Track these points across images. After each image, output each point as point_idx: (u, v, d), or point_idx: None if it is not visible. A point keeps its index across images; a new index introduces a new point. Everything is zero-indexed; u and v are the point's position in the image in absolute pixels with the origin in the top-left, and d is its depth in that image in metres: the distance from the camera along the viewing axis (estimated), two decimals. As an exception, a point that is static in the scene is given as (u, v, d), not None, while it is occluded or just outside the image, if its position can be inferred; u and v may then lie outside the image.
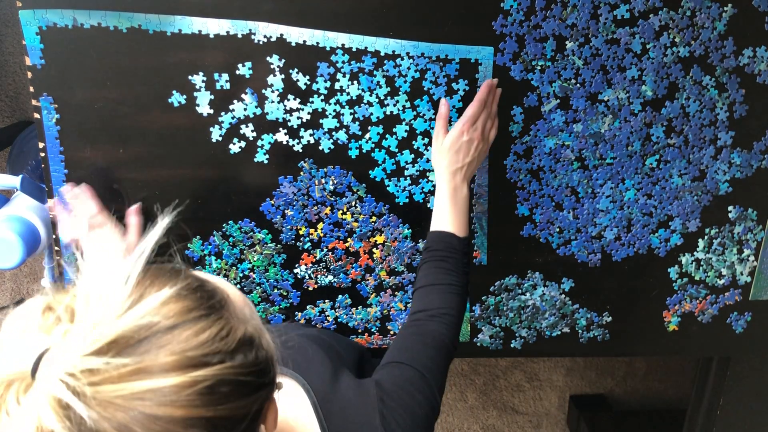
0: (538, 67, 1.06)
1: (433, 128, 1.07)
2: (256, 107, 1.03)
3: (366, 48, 1.03)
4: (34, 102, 1.00)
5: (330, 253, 1.13)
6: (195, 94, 1.02)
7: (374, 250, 1.14)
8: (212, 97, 1.02)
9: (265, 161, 1.06)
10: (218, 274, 1.12)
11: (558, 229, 1.16)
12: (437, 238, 0.94)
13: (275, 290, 1.15)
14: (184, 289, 0.52)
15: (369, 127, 1.07)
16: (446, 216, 0.96)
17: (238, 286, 1.14)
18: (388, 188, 1.10)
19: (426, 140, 1.08)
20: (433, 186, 1.11)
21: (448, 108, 1.02)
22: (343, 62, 1.03)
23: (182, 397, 0.47)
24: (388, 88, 1.05)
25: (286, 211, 1.10)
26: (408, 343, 0.84)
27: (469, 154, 0.97)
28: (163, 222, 0.54)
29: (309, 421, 0.70)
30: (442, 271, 0.92)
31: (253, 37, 1.00)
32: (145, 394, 0.46)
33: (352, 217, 1.11)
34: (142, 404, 0.46)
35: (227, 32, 0.99)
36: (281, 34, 1.01)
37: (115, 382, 0.45)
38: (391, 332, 1.20)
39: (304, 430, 0.69)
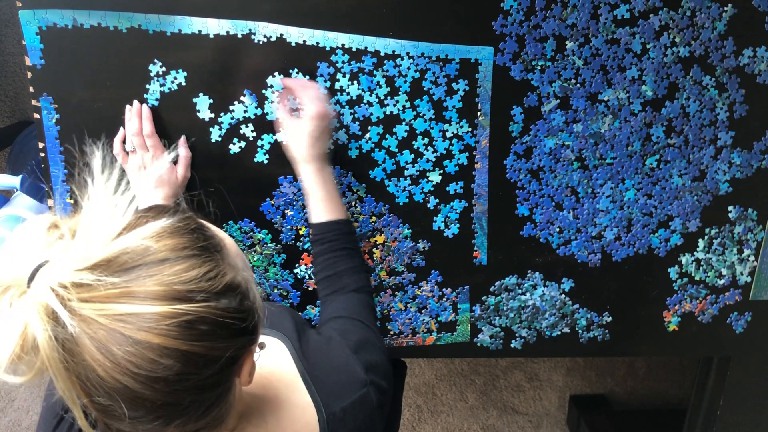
0: (538, 67, 1.06)
1: (433, 128, 1.07)
2: (256, 108, 1.03)
3: (366, 48, 1.03)
4: (34, 102, 1.00)
5: (330, 253, 1.13)
6: (194, 99, 1.02)
7: (374, 250, 1.14)
8: (211, 101, 1.02)
9: (265, 161, 1.06)
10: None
11: (558, 229, 1.16)
12: (325, 229, 0.95)
13: (275, 290, 1.15)
14: (182, 227, 0.54)
15: (369, 127, 1.07)
16: (323, 203, 0.96)
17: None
18: (388, 188, 1.10)
19: (426, 140, 1.08)
20: (434, 186, 1.11)
21: (284, 94, 0.99)
22: (343, 62, 1.03)
23: (162, 326, 0.49)
24: (388, 88, 1.05)
25: (286, 211, 1.10)
26: (333, 308, 0.88)
27: (327, 136, 0.97)
28: (171, 154, 0.58)
29: (290, 367, 0.74)
30: (341, 258, 0.94)
31: (253, 37, 1.00)
32: (128, 317, 0.48)
33: (352, 217, 1.11)
34: (123, 326, 0.48)
35: (227, 32, 0.99)
36: (281, 34, 1.01)
37: (102, 301, 0.48)
38: (391, 332, 1.20)
39: (286, 375, 0.73)
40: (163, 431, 0.54)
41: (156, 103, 1.01)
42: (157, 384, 0.50)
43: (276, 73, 1.02)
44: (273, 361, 0.74)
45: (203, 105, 1.02)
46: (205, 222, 0.59)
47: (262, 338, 0.77)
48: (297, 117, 0.99)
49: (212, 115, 1.03)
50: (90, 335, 0.48)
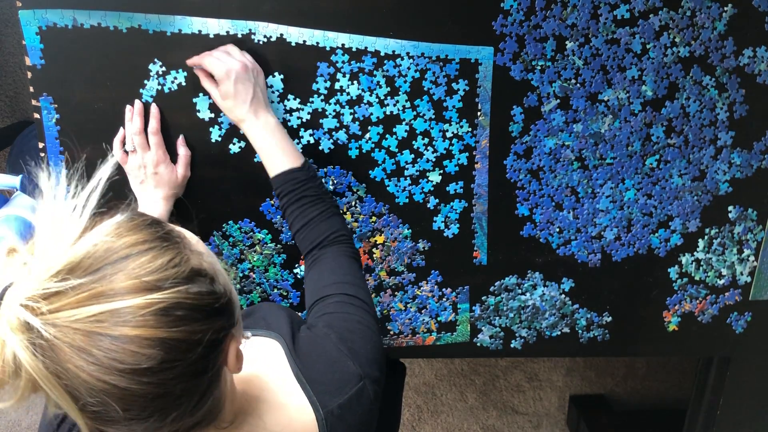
0: (538, 67, 1.06)
1: (433, 128, 1.08)
2: (256, 107, 1.03)
3: (366, 48, 1.03)
4: (34, 102, 1.00)
5: (330, 253, 1.13)
6: (194, 99, 1.02)
7: (374, 250, 1.14)
8: (211, 101, 1.02)
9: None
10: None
11: (558, 229, 1.16)
12: (282, 181, 0.93)
13: (275, 290, 1.15)
14: (140, 222, 0.55)
15: (369, 127, 1.07)
16: (273, 155, 0.93)
17: (238, 286, 1.14)
18: (388, 188, 1.10)
19: (426, 140, 1.08)
20: (434, 186, 1.11)
21: (203, 66, 0.97)
22: (343, 62, 1.03)
23: (138, 317, 0.49)
24: (388, 88, 1.05)
25: (286, 211, 1.10)
26: (317, 278, 0.86)
27: (247, 88, 0.93)
28: (114, 158, 0.58)
29: (285, 367, 0.73)
30: (307, 206, 0.91)
31: (253, 37, 1.00)
32: (102, 315, 0.49)
33: (352, 217, 1.11)
34: (99, 326, 0.49)
35: (227, 32, 0.99)
36: (281, 34, 1.01)
37: (73, 307, 0.48)
38: (391, 332, 1.20)
39: (282, 376, 0.73)
40: (160, 428, 0.54)
41: (150, 100, 1.01)
42: (144, 376, 0.50)
43: (276, 73, 1.02)
44: (269, 363, 0.74)
45: (203, 105, 1.02)
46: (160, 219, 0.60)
47: (258, 339, 0.77)
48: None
49: (212, 115, 1.03)
50: (68, 343, 0.48)
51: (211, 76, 0.96)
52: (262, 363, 0.74)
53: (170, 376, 0.52)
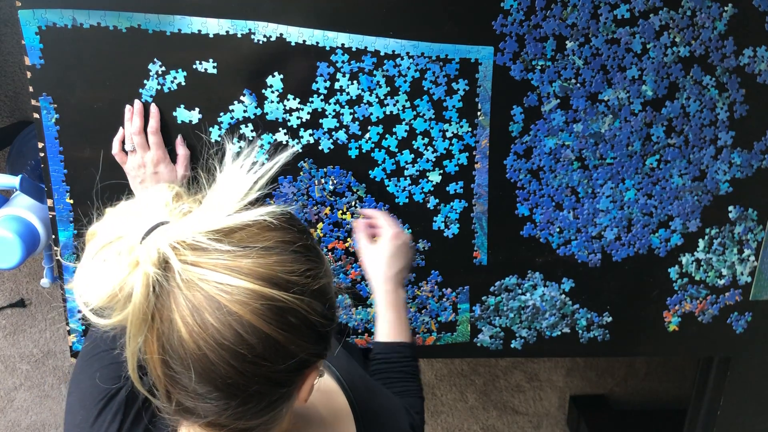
0: (538, 67, 1.06)
1: (433, 128, 1.07)
2: (256, 107, 1.03)
3: (366, 48, 1.03)
4: (33, 102, 1.00)
5: (330, 253, 1.13)
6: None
7: (374, 250, 1.14)
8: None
9: (265, 161, 1.06)
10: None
11: (558, 229, 1.16)
12: (389, 349, 0.94)
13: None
14: (296, 225, 0.57)
15: (369, 127, 1.07)
16: (392, 326, 0.96)
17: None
18: (388, 188, 1.10)
19: (426, 140, 1.08)
20: (434, 186, 1.11)
21: (364, 222, 1.05)
22: (343, 62, 1.03)
23: (256, 304, 0.51)
24: (388, 88, 1.05)
25: (285, 211, 1.09)
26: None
27: (404, 257, 1.00)
28: (291, 149, 0.60)
29: (338, 394, 0.74)
30: (400, 379, 0.92)
31: (252, 36, 1.00)
32: (228, 287, 0.51)
33: (352, 217, 1.11)
34: (222, 295, 0.50)
35: (227, 32, 0.99)
36: (281, 34, 1.01)
37: (209, 268, 0.51)
38: (391, 332, 1.19)
39: (333, 401, 0.73)
40: (219, 414, 0.55)
41: (150, 100, 1.01)
42: (235, 360, 0.51)
43: (276, 73, 1.02)
44: (320, 387, 0.73)
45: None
46: None
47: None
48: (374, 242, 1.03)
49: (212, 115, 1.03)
50: (187, 296, 0.50)
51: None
52: (323, 393, 0.74)
53: (254, 372, 0.52)
